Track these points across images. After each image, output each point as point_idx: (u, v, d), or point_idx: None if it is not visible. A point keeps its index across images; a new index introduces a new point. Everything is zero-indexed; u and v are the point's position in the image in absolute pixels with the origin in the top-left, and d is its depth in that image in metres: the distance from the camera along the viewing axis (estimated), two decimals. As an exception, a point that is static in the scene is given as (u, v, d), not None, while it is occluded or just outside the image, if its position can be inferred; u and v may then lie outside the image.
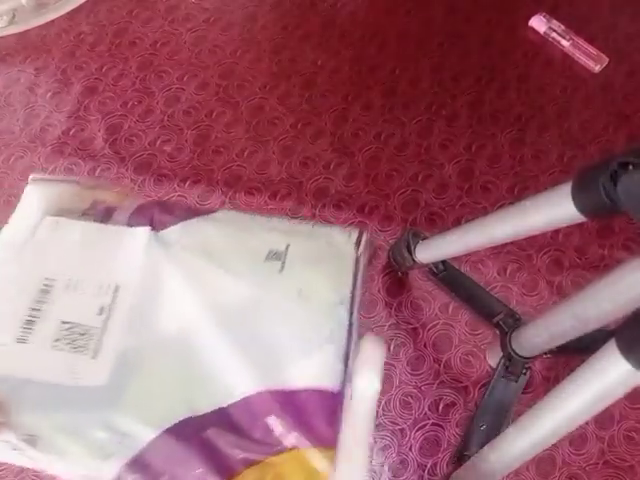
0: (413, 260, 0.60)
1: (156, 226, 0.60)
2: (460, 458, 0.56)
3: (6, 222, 0.68)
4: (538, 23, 0.88)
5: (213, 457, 0.49)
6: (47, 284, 0.55)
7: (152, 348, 0.54)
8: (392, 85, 0.83)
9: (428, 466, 0.58)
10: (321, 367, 0.54)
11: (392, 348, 0.64)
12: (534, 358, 0.58)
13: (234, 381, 0.52)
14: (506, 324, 0.61)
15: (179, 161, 0.75)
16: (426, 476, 0.58)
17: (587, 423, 0.59)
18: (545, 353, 0.57)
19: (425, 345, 0.64)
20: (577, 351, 0.45)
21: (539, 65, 0.86)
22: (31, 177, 0.64)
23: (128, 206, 0.62)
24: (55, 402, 0.50)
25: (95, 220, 0.60)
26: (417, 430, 0.60)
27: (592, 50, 0.85)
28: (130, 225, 0.60)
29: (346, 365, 0.54)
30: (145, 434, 0.49)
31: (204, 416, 0.51)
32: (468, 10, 0.91)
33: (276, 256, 0.59)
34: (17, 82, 0.81)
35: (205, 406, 0.51)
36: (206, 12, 0.89)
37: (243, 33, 0.87)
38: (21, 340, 0.52)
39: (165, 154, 0.76)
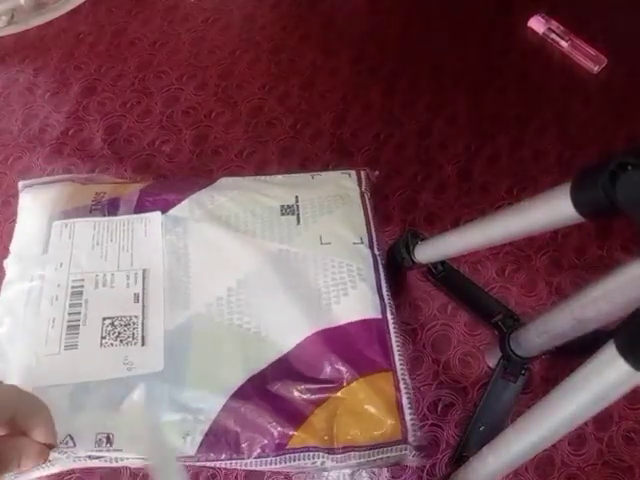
0: (412, 261, 0.60)
1: (163, 207, 0.61)
2: (459, 459, 0.56)
3: (6, 227, 0.68)
4: (537, 24, 0.89)
5: (282, 407, 0.50)
6: (76, 285, 0.55)
7: (196, 321, 0.54)
8: (391, 85, 0.83)
9: (427, 467, 0.58)
10: (359, 301, 0.56)
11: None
12: (533, 359, 0.58)
13: (284, 332, 0.54)
14: (505, 325, 0.61)
15: (178, 161, 0.75)
16: (425, 477, 0.58)
17: (586, 424, 0.59)
18: (544, 354, 0.57)
19: (424, 346, 0.64)
20: (576, 352, 0.45)
21: (538, 66, 0.86)
22: (21, 184, 0.64)
23: (131, 195, 0.62)
24: (119, 395, 0.50)
25: (104, 214, 0.60)
26: (416, 431, 0.59)
27: (591, 51, 0.85)
28: (138, 213, 0.60)
29: (381, 296, 0.57)
30: (215, 404, 0.50)
31: (264, 371, 0.52)
32: (467, 11, 0.91)
33: (290, 210, 0.61)
34: (16, 82, 0.81)
35: (263, 362, 0.52)
36: (205, 12, 0.89)
37: (242, 33, 0.87)
38: (70, 346, 0.52)
39: (164, 154, 0.76)
